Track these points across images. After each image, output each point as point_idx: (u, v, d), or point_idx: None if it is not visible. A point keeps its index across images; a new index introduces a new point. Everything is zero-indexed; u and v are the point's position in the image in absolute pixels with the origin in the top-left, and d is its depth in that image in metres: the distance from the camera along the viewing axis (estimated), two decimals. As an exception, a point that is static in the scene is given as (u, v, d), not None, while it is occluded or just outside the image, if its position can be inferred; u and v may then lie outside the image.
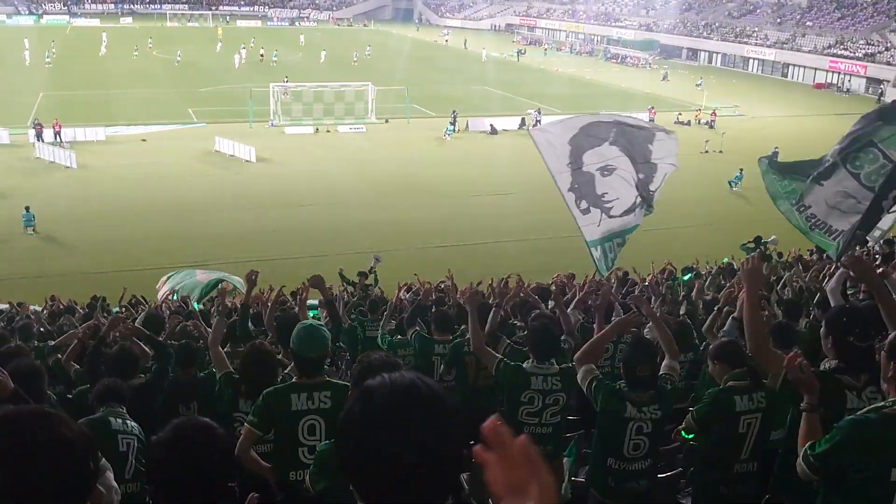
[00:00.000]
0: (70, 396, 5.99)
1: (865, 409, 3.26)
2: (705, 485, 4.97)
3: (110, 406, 4.70)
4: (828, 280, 7.56)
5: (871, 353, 3.80)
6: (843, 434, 3.12)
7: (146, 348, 6.26)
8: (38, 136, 33.43)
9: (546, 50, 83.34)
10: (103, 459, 3.86)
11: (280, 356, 5.47)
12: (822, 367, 3.97)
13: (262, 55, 63.71)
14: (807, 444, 3.26)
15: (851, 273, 4.95)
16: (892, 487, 3.04)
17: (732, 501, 4.82)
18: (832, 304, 5.78)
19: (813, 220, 7.41)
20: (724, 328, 5.91)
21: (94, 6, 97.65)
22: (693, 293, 11.11)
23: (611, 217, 9.14)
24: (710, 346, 5.24)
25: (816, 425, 3.34)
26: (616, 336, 5.15)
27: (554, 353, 5.47)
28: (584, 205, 9.29)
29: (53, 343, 8.18)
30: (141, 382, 5.71)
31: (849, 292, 7.62)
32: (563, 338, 6.25)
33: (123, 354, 5.75)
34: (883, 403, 3.18)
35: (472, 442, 1.44)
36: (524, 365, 5.36)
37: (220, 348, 5.36)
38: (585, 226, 9.22)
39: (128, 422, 4.67)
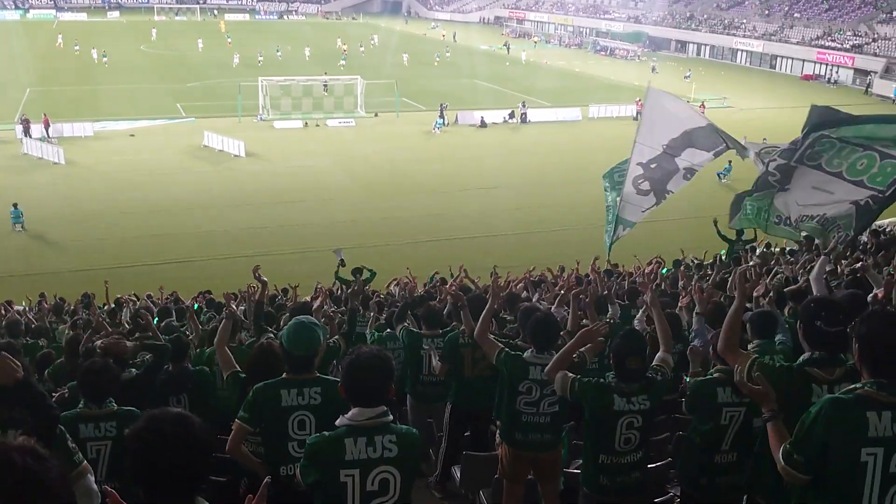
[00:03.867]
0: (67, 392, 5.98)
1: (841, 391, 3.32)
2: (689, 474, 5.05)
3: (87, 406, 4.60)
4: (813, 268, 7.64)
5: (842, 341, 3.82)
6: (820, 413, 3.18)
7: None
8: (26, 131, 33.22)
9: (536, 42, 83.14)
10: (84, 462, 3.87)
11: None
12: (800, 360, 4.02)
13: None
14: (783, 443, 3.30)
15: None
16: (864, 468, 3.11)
17: (713, 491, 4.89)
18: (815, 293, 5.84)
19: (780, 217, 7.59)
20: (694, 326, 5.92)
21: (80, 0, 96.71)
22: (681, 284, 11.15)
23: (647, 209, 9.48)
24: (712, 336, 5.28)
25: (782, 429, 3.39)
26: (581, 346, 5.11)
27: (553, 343, 5.51)
28: (645, 186, 9.50)
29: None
30: (130, 377, 5.70)
31: (832, 282, 7.70)
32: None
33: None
34: (855, 385, 3.24)
35: None
36: (524, 355, 5.41)
37: (226, 348, 5.36)
38: (633, 204, 9.45)
39: (103, 424, 4.55)
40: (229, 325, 5.70)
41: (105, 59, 55.32)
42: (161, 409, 2.60)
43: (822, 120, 7.56)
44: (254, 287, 7.53)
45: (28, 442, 1.60)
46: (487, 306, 5.70)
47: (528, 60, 66.52)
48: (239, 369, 5.13)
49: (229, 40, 67.33)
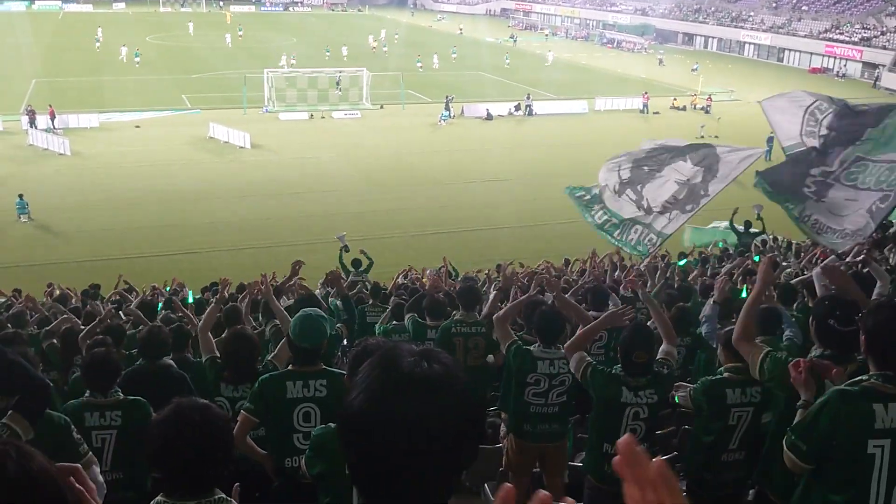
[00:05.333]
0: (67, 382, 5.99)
1: (847, 382, 3.30)
2: (695, 470, 5.02)
3: (93, 395, 4.56)
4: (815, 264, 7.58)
5: (854, 341, 3.78)
6: (826, 404, 3.17)
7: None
8: (31, 122, 33.24)
9: (546, 35, 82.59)
10: (90, 453, 3.86)
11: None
12: (811, 355, 3.99)
13: (374, 47, 62.79)
14: (788, 430, 3.28)
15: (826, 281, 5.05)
16: (871, 460, 3.10)
17: (718, 486, 4.86)
18: (817, 289, 5.78)
19: (817, 226, 7.38)
20: (706, 312, 5.87)
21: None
22: (689, 278, 11.12)
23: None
24: (721, 331, 5.23)
25: None
26: (604, 328, 5.16)
27: (559, 338, 5.53)
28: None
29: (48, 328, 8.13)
30: (172, 368, 5.52)
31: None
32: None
33: (152, 336, 5.58)
34: (861, 377, 3.23)
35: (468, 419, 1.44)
36: (532, 349, 5.45)
37: (211, 334, 5.37)
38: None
39: (108, 413, 4.50)
40: (216, 310, 5.74)
41: (137, 59, 52.27)
42: (188, 398, 2.67)
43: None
44: (262, 279, 7.49)
45: (9, 438, 1.57)
46: (522, 297, 5.75)
47: (556, 59, 63.45)
48: (217, 354, 5.19)
49: (240, 33, 67.06)
